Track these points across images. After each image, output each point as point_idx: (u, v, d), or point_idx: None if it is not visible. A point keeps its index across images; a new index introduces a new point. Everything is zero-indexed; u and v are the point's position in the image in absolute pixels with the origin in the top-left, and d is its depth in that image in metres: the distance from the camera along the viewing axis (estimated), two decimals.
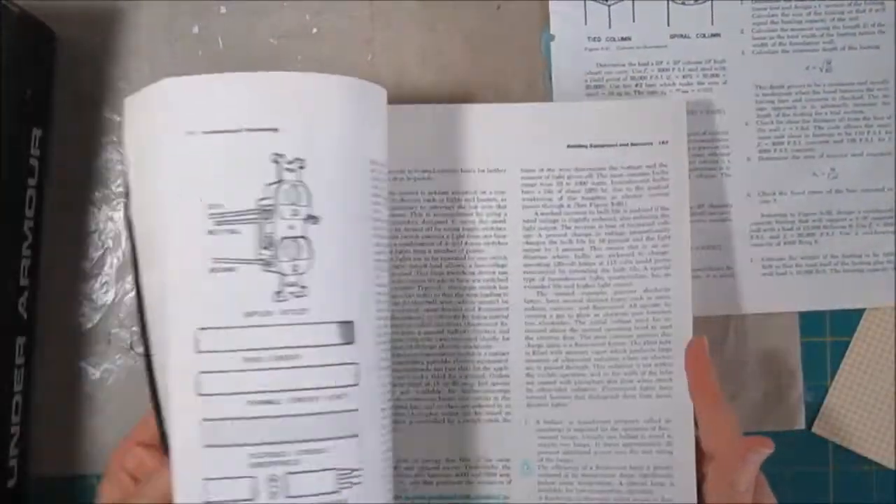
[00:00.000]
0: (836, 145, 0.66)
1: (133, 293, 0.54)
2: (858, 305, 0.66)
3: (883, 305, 0.66)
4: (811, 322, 0.66)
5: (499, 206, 0.62)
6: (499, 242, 0.62)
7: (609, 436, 0.61)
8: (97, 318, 0.66)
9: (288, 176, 0.50)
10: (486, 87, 0.67)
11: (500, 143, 0.62)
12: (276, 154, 0.49)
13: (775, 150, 0.66)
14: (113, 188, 0.66)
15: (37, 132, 0.61)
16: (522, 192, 0.62)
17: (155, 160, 0.50)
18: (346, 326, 0.51)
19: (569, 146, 0.62)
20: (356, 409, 0.51)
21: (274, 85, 0.50)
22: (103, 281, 0.66)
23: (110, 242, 0.66)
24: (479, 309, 0.62)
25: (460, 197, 0.62)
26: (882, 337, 0.66)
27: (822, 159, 0.66)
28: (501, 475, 0.61)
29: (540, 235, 0.62)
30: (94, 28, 0.66)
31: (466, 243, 0.62)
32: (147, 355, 0.51)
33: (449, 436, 0.62)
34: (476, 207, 0.62)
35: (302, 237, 0.50)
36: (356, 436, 0.51)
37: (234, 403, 0.49)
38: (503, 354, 0.62)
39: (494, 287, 0.62)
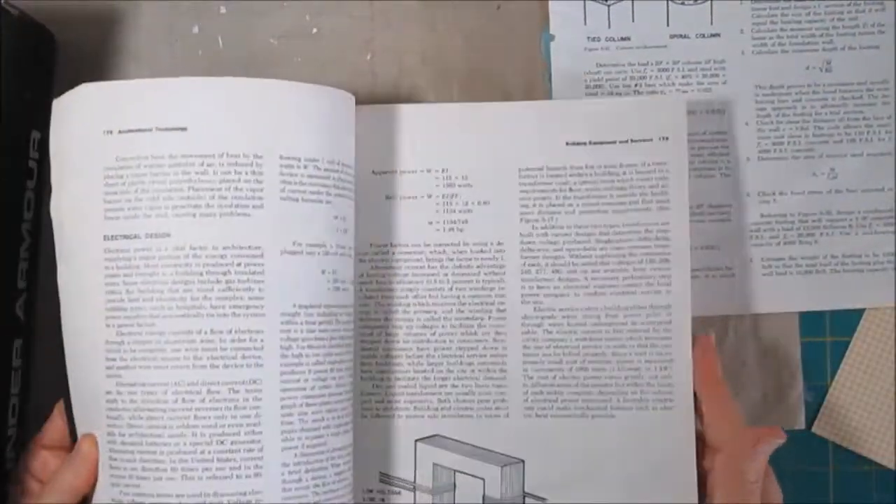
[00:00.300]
0: (836, 145, 0.66)
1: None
2: (858, 305, 0.66)
3: (883, 305, 0.66)
4: (811, 322, 0.66)
5: (497, 205, 0.62)
6: (499, 242, 0.62)
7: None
8: None
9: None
10: (486, 87, 0.67)
11: (498, 142, 0.62)
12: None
13: (775, 151, 0.66)
14: None
15: (35, 135, 0.61)
16: (520, 190, 0.62)
17: (71, 160, 0.54)
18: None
19: (567, 144, 0.62)
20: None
21: (183, 88, 0.53)
22: None
23: None
24: (476, 310, 0.62)
25: (456, 196, 0.62)
26: (882, 337, 0.66)
27: (821, 159, 0.66)
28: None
29: (538, 234, 0.62)
30: (94, 29, 0.66)
31: (463, 243, 0.62)
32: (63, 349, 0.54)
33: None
34: (473, 207, 0.62)
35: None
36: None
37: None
38: (501, 356, 0.62)
39: (493, 288, 0.62)
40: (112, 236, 0.53)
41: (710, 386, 0.59)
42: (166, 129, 0.52)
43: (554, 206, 0.62)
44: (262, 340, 0.52)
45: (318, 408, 0.54)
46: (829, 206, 0.66)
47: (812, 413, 0.67)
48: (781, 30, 0.66)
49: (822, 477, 0.67)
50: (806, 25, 0.66)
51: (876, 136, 0.66)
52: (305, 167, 0.54)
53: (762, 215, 0.66)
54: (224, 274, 0.52)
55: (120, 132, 0.53)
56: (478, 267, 0.62)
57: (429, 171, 0.62)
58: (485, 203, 0.62)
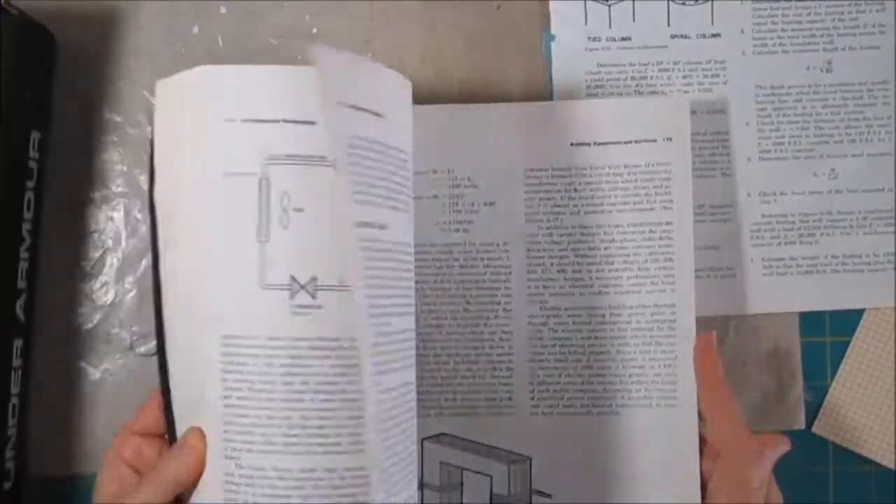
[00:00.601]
0: (837, 145, 0.66)
1: (151, 277, 0.53)
2: (859, 305, 0.66)
3: (883, 305, 0.66)
4: (811, 322, 0.66)
5: (502, 206, 0.62)
6: (504, 242, 0.62)
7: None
8: (97, 318, 0.66)
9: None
10: (486, 87, 0.67)
11: (503, 143, 0.62)
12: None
13: (776, 151, 0.66)
14: (113, 188, 0.66)
15: (35, 135, 0.61)
16: (525, 191, 0.62)
17: (190, 145, 0.51)
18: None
19: (572, 144, 0.62)
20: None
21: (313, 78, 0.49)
22: (103, 281, 0.66)
23: (110, 242, 0.66)
24: (482, 310, 0.62)
25: (462, 197, 0.62)
26: (882, 337, 0.66)
27: (822, 159, 0.66)
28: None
29: (543, 234, 0.62)
30: (95, 29, 0.66)
31: (469, 243, 0.62)
32: (161, 340, 0.52)
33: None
34: (479, 207, 0.62)
35: None
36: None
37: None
38: (507, 355, 0.62)
39: (499, 288, 0.62)
40: None
41: (710, 386, 0.59)
42: (294, 122, 0.50)
43: (559, 206, 0.62)
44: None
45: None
46: (830, 206, 0.66)
47: (812, 413, 0.67)
48: (782, 30, 0.66)
49: (822, 477, 0.67)
50: (807, 26, 0.66)
51: (876, 137, 0.66)
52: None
53: (763, 215, 0.66)
54: None
55: (243, 121, 0.50)
56: (484, 267, 0.62)
57: (435, 172, 0.62)
58: (490, 204, 0.62)
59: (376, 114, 0.50)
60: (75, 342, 0.65)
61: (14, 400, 0.59)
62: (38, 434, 0.64)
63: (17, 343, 0.59)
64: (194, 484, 0.51)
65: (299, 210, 0.49)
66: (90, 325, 0.66)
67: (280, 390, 0.49)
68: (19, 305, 0.59)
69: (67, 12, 0.65)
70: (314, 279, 0.49)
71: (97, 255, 0.66)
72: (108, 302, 0.66)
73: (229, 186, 0.50)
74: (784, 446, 0.56)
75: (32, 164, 0.61)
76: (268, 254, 0.49)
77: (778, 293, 0.66)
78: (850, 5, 0.66)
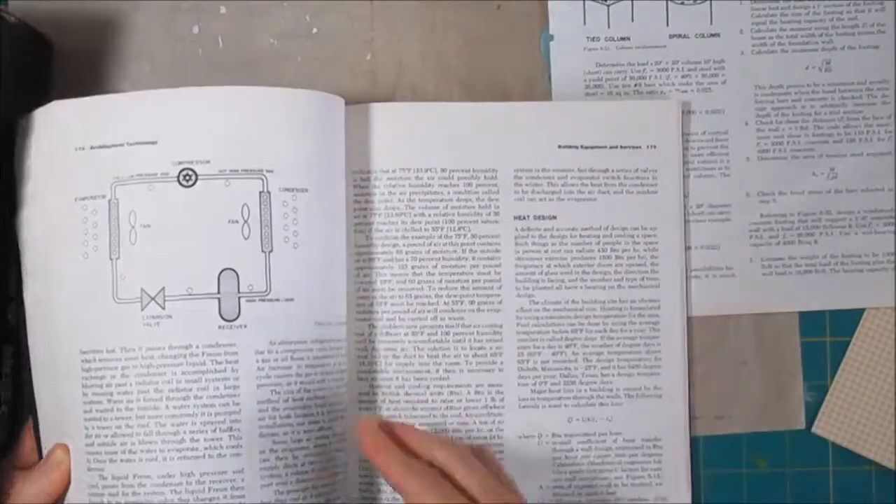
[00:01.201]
0: (836, 145, 0.66)
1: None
2: (858, 305, 0.66)
3: (883, 305, 0.66)
4: (811, 322, 0.66)
5: (491, 206, 0.62)
6: (490, 243, 0.62)
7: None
8: None
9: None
10: (486, 86, 0.67)
11: (493, 142, 0.62)
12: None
13: (775, 150, 0.66)
14: None
15: None
16: (514, 192, 0.62)
17: (46, 175, 0.55)
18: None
19: (560, 147, 0.62)
20: None
21: (154, 101, 0.55)
22: None
23: None
24: (473, 308, 0.62)
25: (451, 195, 0.62)
26: (882, 337, 0.66)
27: (821, 159, 0.66)
28: None
29: (531, 237, 0.62)
30: (95, 31, 0.66)
31: (459, 239, 0.62)
32: (27, 367, 0.56)
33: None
34: (468, 207, 0.62)
35: None
36: None
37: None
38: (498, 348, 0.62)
39: (491, 286, 0.62)
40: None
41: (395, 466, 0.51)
42: (137, 143, 0.54)
43: (548, 205, 0.62)
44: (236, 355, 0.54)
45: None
46: (829, 205, 0.66)
47: (812, 413, 0.66)
48: (781, 30, 0.66)
49: (822, 477, 0.66)
50: (806, 25, 0.66)
51: (876, 136, 0.66)
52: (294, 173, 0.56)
53: (762, 215, 0.66)
54: None
55: (92, 148, 0.55)
56: (475, 260, 0.62)
57: (427, 170, 0.62)
58: (479, 200, 0.62)
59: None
60: None
61: (4, 407, 0.58)
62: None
63: (8, 350, 0.59)
64: (61, 499, 0.54)
65: (146, 226, 0.53)
66: None
67: (136, 399, 0.52)
68: (10, 312, 0.59)
69: (68, 15, 0.65)
70: (163, 290, 0.53)
71: None
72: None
73: (82, 209, 0.54)
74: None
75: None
76: (119, 270, 0.53)
77: (777, 293, 0.66)
78: (849, 5, 0.66)
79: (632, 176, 0.62)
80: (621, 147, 0.62)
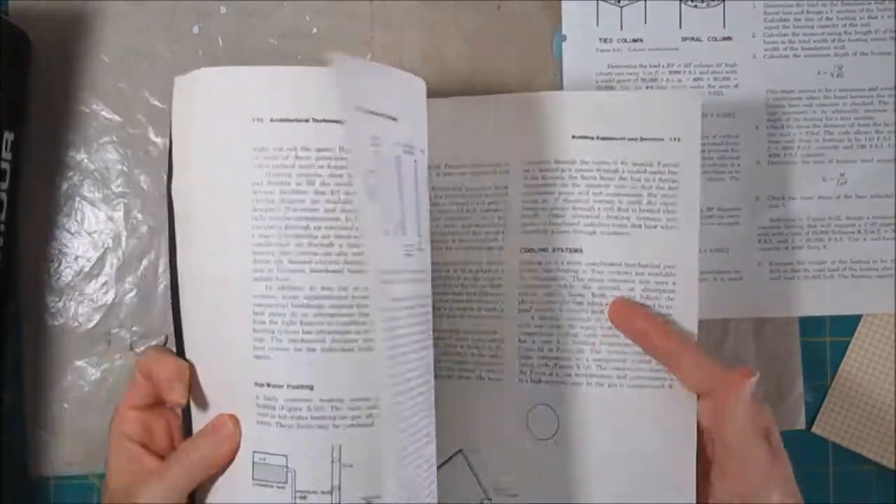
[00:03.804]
0: (846, 151, 0.66)
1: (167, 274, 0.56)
2: (866, 311, 0.67)
3: (890, 312, 0.66)
4: (811, 322, 0.67)
5: (501, 198, 0.61)
6: (497, 236, 0.61)
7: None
8: (97, 318, 0.65)
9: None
10: (486, 86, 0.66)
11: (503, 133, 0.61)
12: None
13: (785, 155, 0.66)
14: (113, 188, 0.66)
15: (9, 136, 0.61)
16: (524, 184, 0.60)
17: (216, 144, 0.52)
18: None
19: (574, 137, 0.59)
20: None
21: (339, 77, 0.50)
22: (103, 281, 0.66)
23: (110, 242, 0.66)
24: (476, 306, 0.61)
25: (463, 189, 0.61)
26: (882, 337, 0.66)
27: (831, 164, 0.66)
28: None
29: (539, 230, 0.61)
30: (96, 29, 0.66)
31: (469, 233, 0.61)
32: (178, 328, 0.54)
33: None
34: (478, 199, 0.61)
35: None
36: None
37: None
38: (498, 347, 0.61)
39: (493, 281, 0.61)
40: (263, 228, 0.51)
41: (664, 337, 0.56)
42: (323, 121, 0.51)
43: (557, 199, 0.60)
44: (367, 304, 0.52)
45: None
46: (839, 211, 0.66)
47: (812, 413, 0.67)
48: (794, 34, 0.66)
49: (822, 477, 0.67)
50: (818, 30, 0.66)
51: (886, 142, 0.66)
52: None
53: (771, 219, 0.66)
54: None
55: (272, 121, 0.51)
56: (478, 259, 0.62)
57: (438, 167, 0.62)
58: (489, 193, 0.61)
59: (391, 117, 0.51)
60: (75, 342, 0.65)
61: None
62: (37, 434, 0.64)
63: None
64: (221, 471, 0.52)
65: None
66: (90, 325, 0.65)
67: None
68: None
69: (68, 14, 0.65)
70: None
71: (97, 255, 0.66)
72: (108, 302, 0.65)
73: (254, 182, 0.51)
74: (750, 378, 0.53)
75: (6, 166, 0.61)
76: None
77: (785, 297, 0.66)
78: (861, 10, 0.66)
79: (652, 171, 0.58)
80: (642, 139, 0.58)
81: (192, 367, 0.53)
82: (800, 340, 0.67)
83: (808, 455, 0.67)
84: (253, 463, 0.51)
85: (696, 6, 0.66)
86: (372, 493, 0.51)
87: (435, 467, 0.55)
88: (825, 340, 0.67)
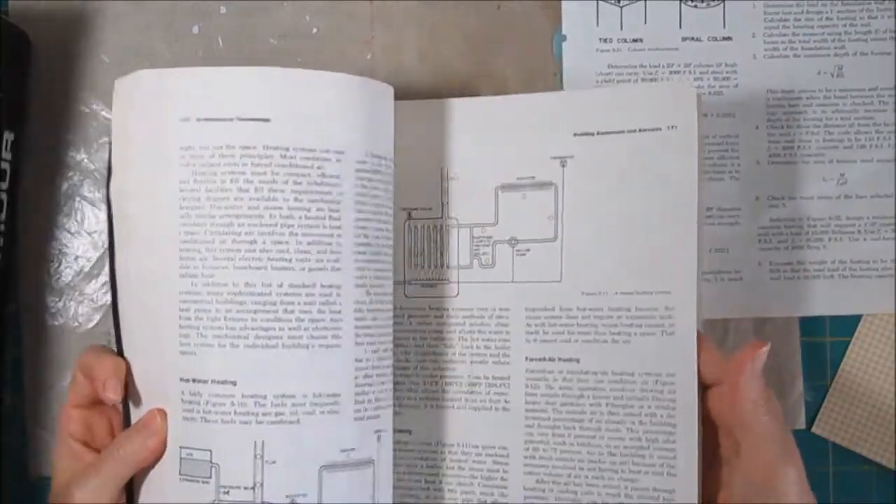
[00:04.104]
0: (846, 151, 0.66)
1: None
2: (867, 311, 0.67)
3: (891, 312, 0.66)
4: (811, 323, 0.67)
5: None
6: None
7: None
8: (97, 318, 0.66)
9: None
10: (486, 86, 0.66)
11: (505, 134, 0.61)
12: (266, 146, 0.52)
13: (785, 155, 0.66)
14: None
15: (9, 136, 0.61)
16: (526, 184, 0.61)
17: (149, 144, 0.53)
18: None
19: (575, 135, 0.60)
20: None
21: (268, 78, 0.53)
22: (103, 281, 0.66)
23: None
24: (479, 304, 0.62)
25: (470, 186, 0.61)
26: (882, 337, 0.66)
27: (831, 164, 0.66)
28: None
29: (544, 228, 0.61)
30: (96, 29, 0.66)
31: (471, 237, 0.61)
32: (118, 333, 0.55)
33: None
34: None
35: None
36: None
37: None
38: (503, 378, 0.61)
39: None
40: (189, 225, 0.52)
41: None
42: (248, 120, 0.52)
43: (562, 196, 0.60)
44: (338, 295, 0.53)
45: None
46: (839, 211, 0.66)
47: (812, 413, 0.67)
48: (794, 34, 0.66)
49: (822, 477, 0.67)
50: (818, 30, 0.66)
51: (886, 142, 0.66)
52: (379, 164, 0.55)
53: (771, 219, 0.66)
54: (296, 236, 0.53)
55: (198, 120, 0.52)
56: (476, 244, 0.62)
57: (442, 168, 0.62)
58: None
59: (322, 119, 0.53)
60: (75, 342, 0.65)
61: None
62: (37, 434, 0.65)
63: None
64: (152, 466, 0.53)
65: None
66: (90, 325, 0.66)
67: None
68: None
69: (68, 14, 0.65)
70: None
71: (97, 255, 0.66)
72: (109, 302, 0.64)
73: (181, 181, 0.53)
74: (762, 349, 0.53)
75: (5, 166, 0.61)
76: None
77: (785, 297, 0.66)
78: (861, 10, 0.66)
79: (651, 163, 0.58)
80: (640, 130, 0.58)
81: (128, 365, 0.54)
82: (800, 340, 0.67)
83: (808, 455, 0.65)
84: (180, 458, 0.52)
85: (695, 6, 0.66)
86: (296, 491, 0.52)
87: (378, 468, 0.55)
88: (825, 340, 0.67)
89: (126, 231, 0.54)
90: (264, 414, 0.52)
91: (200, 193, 0.52)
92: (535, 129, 0.60)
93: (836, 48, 0.66)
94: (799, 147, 0.66)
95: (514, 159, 0.61)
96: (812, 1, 0.66)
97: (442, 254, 0.62)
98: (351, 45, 0.66)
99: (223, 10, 0.66)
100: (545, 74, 0.67)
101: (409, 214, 0.62)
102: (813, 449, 0.67)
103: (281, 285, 0.52)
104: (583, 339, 0.60)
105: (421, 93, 0.66)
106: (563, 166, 0.60)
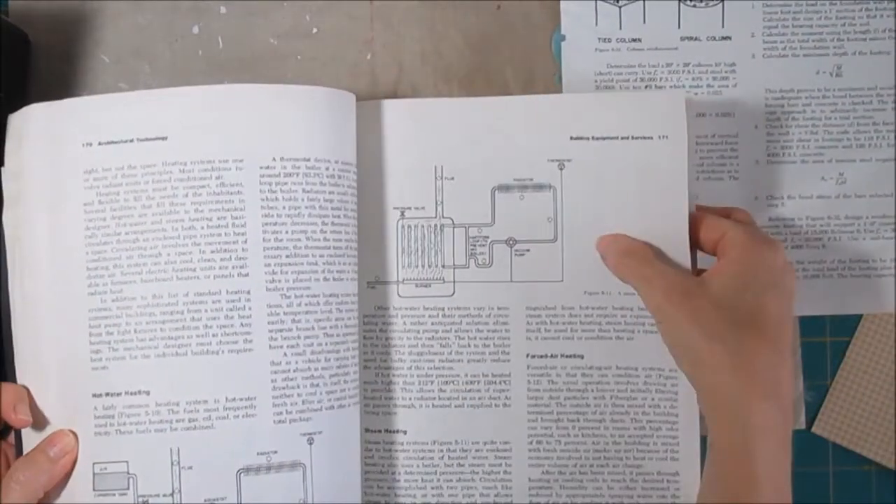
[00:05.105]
0: (845, 150, 0.66)
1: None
2: (866, 311, 0.66)
3: (890, 311, 0.66)
4: (811, 323, 0.67)
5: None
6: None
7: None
8: None
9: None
10: (486, 87, 0.66)
11: (501, 135, 0.61)
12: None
13: (784, 154, 0.66)
14: None
15: None
16: (524, 185, 0.62)
17: (49, 173, 0.56)
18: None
19: (572, 138, 0.61)
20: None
21: (163, 99, 0.56)
22: None
23: None
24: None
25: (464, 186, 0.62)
26: (882, 337, 0.66)
27: (830, 164, 0.66)
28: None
29: (543, 229, 0.61)
30: (96, 29, 0.66)
31: (467, 237, 0.62)
32: (10, 353, 0.56)
33: None
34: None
35: None
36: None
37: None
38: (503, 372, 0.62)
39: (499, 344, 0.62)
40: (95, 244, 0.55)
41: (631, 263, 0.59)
42: (146, 140, 0.55)
43: (558, 198, 0.61)
44: (247, 300, 0.55)
45: None
46: (838, 210, 0.66)
47: (812, 413, 0.67)
48: (792, 34, 0.66)
49: (822, 477, 0.67)
50: (817, 30, 0.66)
51: (885, 142, 0.66)
52: (296, 167, 0.56)
53: (770, 219, 0.66)
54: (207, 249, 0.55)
55: (100, 144, 0.55)
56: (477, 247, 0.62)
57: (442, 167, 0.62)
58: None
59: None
60: None
61: None
62: None
63: None
64: (62, 486, 0.54)
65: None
66: None
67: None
68: None
69: (68, 14, 0.65)
70: None
71: None
72: None
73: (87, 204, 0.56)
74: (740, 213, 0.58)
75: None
76: None
77: None
78: (860, 10, 0.65)
79: (643, 169, 0.60)
80: (633, 138, 0.60)
81: (28, 390, 0.55)
82: (800, 340, 0.66)
83: (808, 455, 0.67)
84: (94, 474, 0.54)
85: (694, 6, 0.66)
86: (215, 495, 0.54)
87: (312, 472, 0.56)
88: (825, 340, 0.67)
89: (23, 256, 0.56)
90: (178, 421, 0.54)
91: (106, 213, 0.55)
92: (533, 131, 0.61)
93: (835, 48, 0.66)
94: (798, 146, 0.66)
95: (511, 160, 0.61)
96: (811, 0, 0.66)
97: (436, 253, 0.62)
98: (351, 45, 0.66)
99: (223, 10, 0.66)
100: (545, 74, 0.67)
101: (402, 213, 0.62)
102: (813, 449, 0.67)
103: (187, 294, 0.54)
104: (587, 335, 0.61)
105: (421, 93, 0.66)
106: (562, 169, 0.61)
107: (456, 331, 0.62)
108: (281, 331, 0.55)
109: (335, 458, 0.57)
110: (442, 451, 0.62)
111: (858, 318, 0.67)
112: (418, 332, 0.62)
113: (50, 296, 0.55)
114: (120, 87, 0.65)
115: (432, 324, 0.62)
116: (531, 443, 0.61)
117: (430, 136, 0.62)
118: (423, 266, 0.62)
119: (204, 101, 0.55)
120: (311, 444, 0.56)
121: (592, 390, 0.61)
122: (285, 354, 0.55)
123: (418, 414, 0.62)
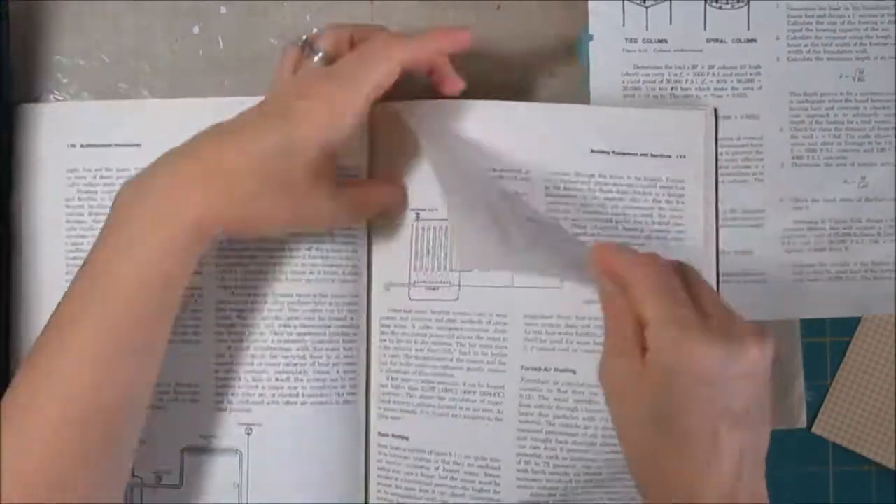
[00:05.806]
0: (867, 154, 0.66)
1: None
2: (888, 312, 0.67)
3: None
4: (811, 322, 0.67)
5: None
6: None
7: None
8: None
9: None
10: (486, 87, 0.65)
11: (526, 141, 0.61)
12: None
13: (808, 157, 0.66)
14: None
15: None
16: (545, 193, 0.61)
17: (41, 168, 0.62)
18: None
19: (592, 151, 0.61)
20: None
21: (139, 109, 0.62)
22: None
23: None
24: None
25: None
26: (882, 337, 0.67)
27: (853, 167, 0.66)
28: None
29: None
30: (94, 29, 0.65)
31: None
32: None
33: None
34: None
35: None
36: None
37: None
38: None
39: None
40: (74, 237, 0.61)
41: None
42: (122, 145, 0.61)
43: (579, 210, 0.61)
44: (199, 296, 0.60)
45: None
46: (860, 213, 0.66)
47: (812, 413, 0.67)
48: (816, 37, 0.66)
49: (822, 477, 0.67)
50: (840, 34, 0.66)
51: None
52: None
53: (794, 221, 0.66)
54: None
55: (82, 146, 0.62)
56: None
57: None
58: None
59: None
60: None
61: None
62: None
63: None
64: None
65: None
66: None
67: None
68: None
69: (67, 13, 0.65)
70: None
71: None
72: None
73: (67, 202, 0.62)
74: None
75: None
76: None
77: (808, 299, 0.66)
78: (883, 15, 0.66)
79: (663, 185, 0.61)
80: (652, 155, 0.61)
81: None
82: (800, 340, 0.67)
83: (808, 455, 0.67)
84: None
85: (720, 8, 0.66)
86: (162, 468, 0.60)
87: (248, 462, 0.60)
88: (825, 340, 0.68)
89: (19, 242, 0.62)
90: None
91: (84, 210, 0.61)
92: (554, 139, 0.61)
93: (857, 52, 0.66)
94: (821, 149, 0.66)
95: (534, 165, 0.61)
96: (835, 4, 0.66)
97: (446, 256, 0.61)
98: None
99: (223, 10, 0.66)
100: (545, 74, 0.66)
101: (418, 215, 0.61)
102: (813, 449, 0.67)
103: None
104: (581, 348, 0.60)
105: (420, 93, 0.63)
106: (584, 180, 0.61)
107: (458, 337, 0.61)
108: (227, 326, 0.60)
109: (276, 452, 0.60)
110: (438, 461, 0.61)
111: (858, 318, 0.67)
112: (425, 336, 0.61)
113: (34, 280, 0.61)
114: (120, 87, 0.65)
115: (438, 328, 0.61)
116: (519, 462, 0.60)
117: (448, 138, 0.61)
118: (433, 269, 0.61)
119: (175, 112, 0.61)
120: (248, 434, 0.60)
121: (583, 410, 0.60)
122: (229, 347, 0.60)
123: (419, 421, 0.61)
